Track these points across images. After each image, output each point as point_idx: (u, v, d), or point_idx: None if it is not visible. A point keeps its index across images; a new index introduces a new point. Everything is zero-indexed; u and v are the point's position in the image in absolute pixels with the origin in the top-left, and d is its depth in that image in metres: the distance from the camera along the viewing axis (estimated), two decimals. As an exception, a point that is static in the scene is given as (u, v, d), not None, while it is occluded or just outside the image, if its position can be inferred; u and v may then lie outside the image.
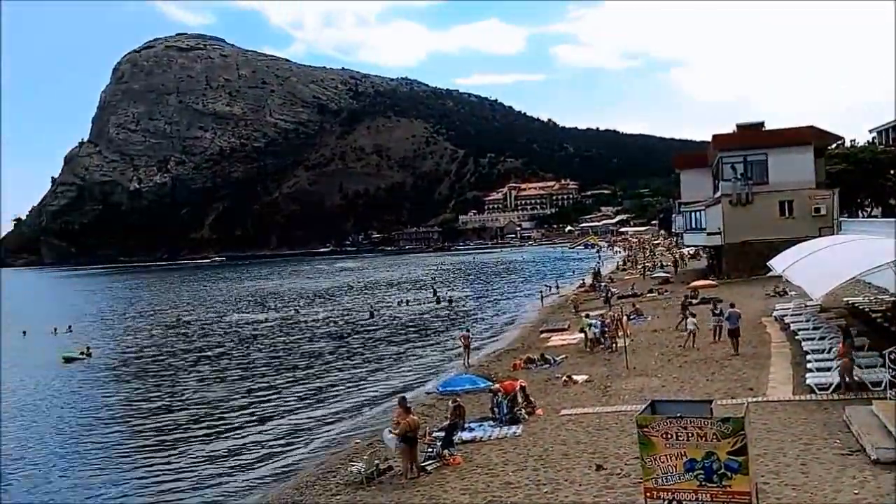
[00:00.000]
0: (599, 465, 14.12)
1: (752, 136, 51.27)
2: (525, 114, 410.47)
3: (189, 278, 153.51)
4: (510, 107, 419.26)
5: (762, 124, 54.75)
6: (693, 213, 55.59)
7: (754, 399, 17.48)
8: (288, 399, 29.02)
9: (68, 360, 42.75)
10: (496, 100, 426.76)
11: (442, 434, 17.38)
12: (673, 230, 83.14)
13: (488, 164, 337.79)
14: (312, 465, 19.41)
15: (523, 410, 19.53)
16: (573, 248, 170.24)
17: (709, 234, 51.45)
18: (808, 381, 18.16)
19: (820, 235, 36.93)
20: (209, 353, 43.49)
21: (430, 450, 16.74)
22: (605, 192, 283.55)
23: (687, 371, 22.64)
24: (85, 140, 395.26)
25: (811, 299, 25.05)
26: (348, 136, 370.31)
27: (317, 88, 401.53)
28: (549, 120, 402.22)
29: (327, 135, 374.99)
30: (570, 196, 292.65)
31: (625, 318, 30.50)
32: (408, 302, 66.09)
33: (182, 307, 79.87)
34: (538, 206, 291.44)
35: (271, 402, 28.57)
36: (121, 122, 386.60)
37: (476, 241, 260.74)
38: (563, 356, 28.95)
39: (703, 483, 9.65)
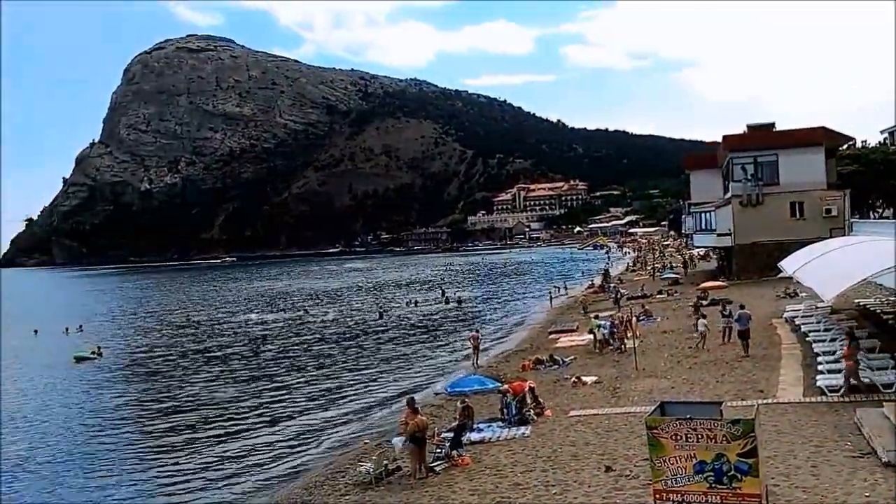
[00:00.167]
0: (608, 466, 14.09)
1: (762, 137, 51.02)
2: (534, 114, 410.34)
3: (199, 278, 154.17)
4: (519, 107, 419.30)
5: (773, 125, 54.47)
6: (703, 214, 55.36)
7: (764, 401, 17.39)
8: (297, 400, 29.10)
9: (79, 359, 43.05)
10: (505, 100, 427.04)
11: (451, 435, 17.39)
12: (683, 231, 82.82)
13: (497, 165, 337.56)
14: (321, 466, 19.45)
15: (532, 411, 19.50)
16: (582, 248, 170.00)
17: (719, 235, 51.23)
18: (818, 383, 18.06)
19: (831, 237, 36.74)
20: (219, 354, 43.67)
21: (438, 450, 16.76)
22: (615, 192, 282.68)
23: (697, 372, 22.56)
24: (96, 141, 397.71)
25: (822, 301, 24.92)
26: (357, 136, 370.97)
27: (326, 89, 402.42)
28: (559, 120, 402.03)
29: (337, 135, 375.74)
30: (580, 197, 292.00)
31: (634, 319, 30.40)
32: (416, 302, 66.13)
33: (192, 307, 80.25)
34: (547, 207, 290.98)
35: (281, 403, 28.65)
36: (132, 122, 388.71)
37: (485, 242, 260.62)
38: (572, 357, 28.91)
39: (713, 485, 9.63)
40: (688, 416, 9.93)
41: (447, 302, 64.76)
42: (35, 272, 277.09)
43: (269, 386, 32.45)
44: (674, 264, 74.37)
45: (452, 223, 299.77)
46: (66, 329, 58.93)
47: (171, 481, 19.70)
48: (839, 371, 18.16)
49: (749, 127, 54.64)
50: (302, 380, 33.33)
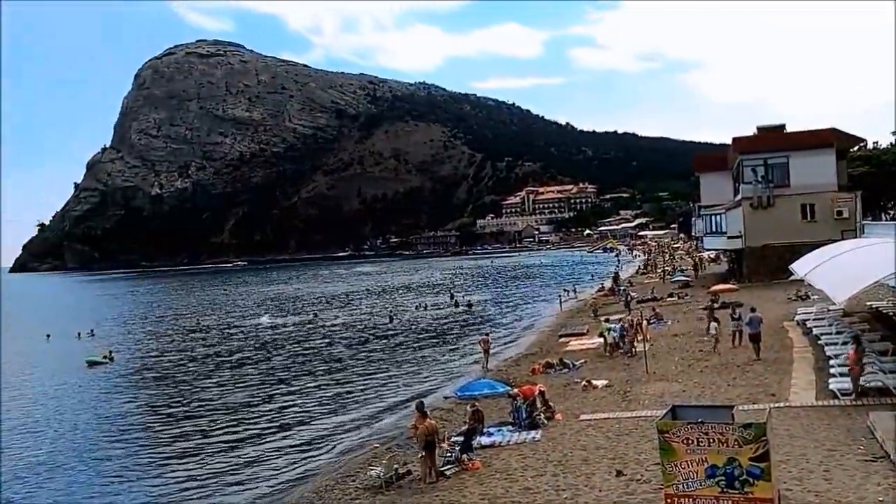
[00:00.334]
0: (619, 470, 14.05)
1: (772, 139, 50.80)
2: (543, 117, 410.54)
3: (210, 283, 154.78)
4: (528, 110, 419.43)
5: (783, 127, 54.24)
6: (713, 217, 55.16)
7: (776, 405, 17.31)
8: (308, 404, 29.13)
9: (91, 364, 43.31)
10: (514, 103, 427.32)
11: (461, 439, 17.38)
12: (693, 234, 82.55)
13: (506, 168, 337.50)
14: (332, 470, 19.46)
15: (542, 415, 19.47)
16: (592, 251, 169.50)
17: (729, 237, 51.03)
18: (830, 387, 17.96)
19: (842, 239, 36.47)
20: (230, 358, 43.78)
21: (448, 454, 16.75)
22: (624, 195, 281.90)
23: (708, 376, 22.46)
24: (107, 146, 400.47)
25: (834, 303, 24.76)
26: (366, 140, 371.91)
27: (335, 94, 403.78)
28: (567, 123, 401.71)
29: (346, 140, 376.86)
30: (589, 199, 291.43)
31: (644, 322, 30.32)
32: (426, 306, 66.14)
33: (203, 311, 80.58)
34: (556, 210, 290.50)
35: (291, 408, 28.68)
36: (142, 128, 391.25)
37: (494, 245, 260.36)
38: (583, 361, 28.84)
39: (725, 489, 9.60)
40: (699, 420, 9.90)
41: (457, 305, 64.76)
42: (47, 277, 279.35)
43: (280, 390, 32.51)
44: (684, 267, 74.10)
45: (461, 226, 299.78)
46: (79, 334, 59.31)
47: (183, 486, 19.74)
48: (870, 373, 18.02)
49: (759, 129, 54.42)
50: (312, 384, 33.37)
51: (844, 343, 21.91)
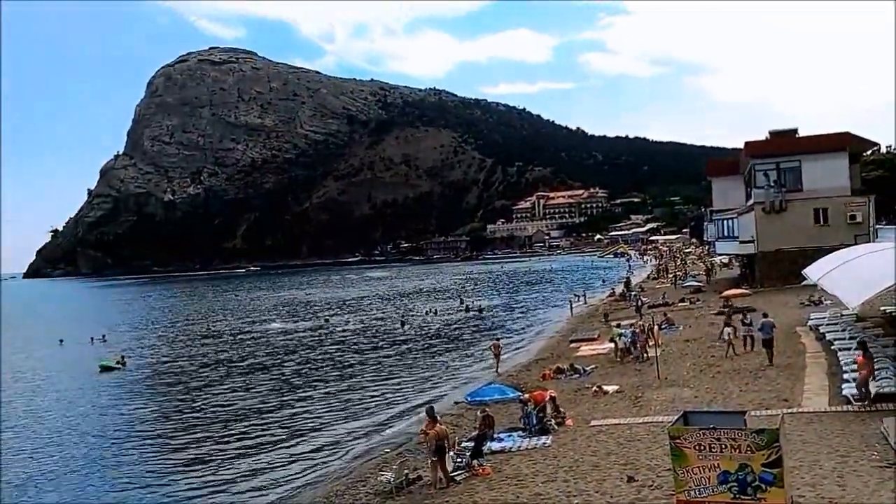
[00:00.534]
0: (631, 476, 13.98)
1: (785, 143, 50.57)
2: (553, 122, 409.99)
3: (222, 288, 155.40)
4: (538, 115, 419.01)
5: (795, 131, 53.98)
6: (725, 221, 54.89)
7: (789, 410, 17.18)
8: (319, 409, 29.17)
9: (104, 369, 43.57)
10: (524, 108, 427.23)
11: (471, 444, 17.37)
12: (704, 238, 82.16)
13: (516, 173, 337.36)
14: (342, 475, 19.47)
15: (553, 421, 19.42)
16: (603, 256, 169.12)
17: (741, 242, 50.75)
18: (844, 392, 17.82)
19: (856, 243, 36.21)
20: (241, 364, 43.92)
21: (459, 460, 16.73)
22: (635, 200, 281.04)
23: (720, 381, 22.34)
24: (120, 153, 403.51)
25: (847, 308, 24.57)
26: (377, 146, 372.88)
27: (346, 100, 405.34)
28: (578, 128, 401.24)
29: (356, 145, 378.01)
30: (600, 204, 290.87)
31: (656, 327, 30.21)
32: (436, 311, 66.18)
33: (214, 317, 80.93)
34: (567, 215, 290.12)
35: (303, 413, 28.71)
36: (155, 134, 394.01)
37: (504, 251, 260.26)
38: (593, 366, 28.77)
39: (737, 495, 9.55)
40: (711, 426, 9.86)
41: (467, 311, 64.77)
42: (60, 282, 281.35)
43: (291, 396, 32.57)
44: (696, 272, 73.78)
45: (472, 232, 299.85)
46: (92, 339, 59.70)
47: (194, 493, 19.78)
48: (871, 379, 17.89)
49: (771, 133, 54.21)
50: (323, 390, 33.42)
51: (869, 347, 21.74)
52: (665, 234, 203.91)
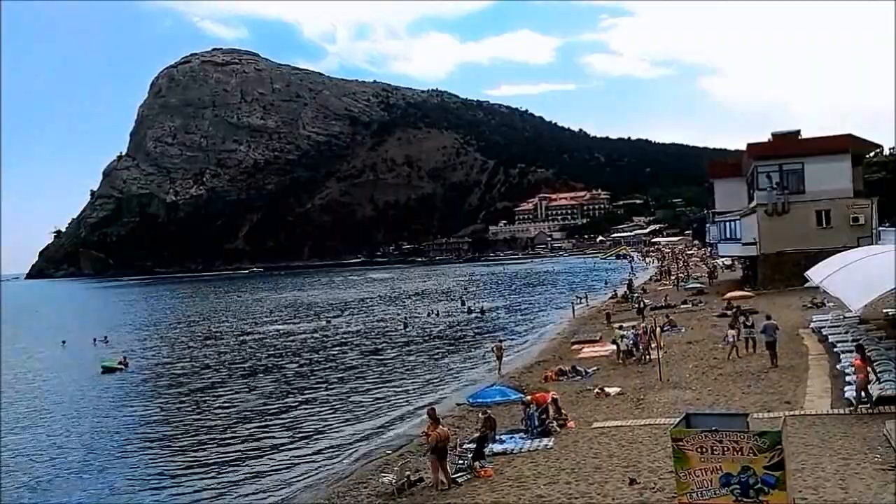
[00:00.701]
0: (633, 479, 13.97)
1: (787, 145, 50.59)
2: (555, 123, 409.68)
3: (224, 289, 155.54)
4: (540, 117, 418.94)
5: (798, 133, 53.98)
6: (728, 223, 54.86)
7: (791, 412, 17.17)
8: (321, 411, 29.17)
9: (106, 370, 43.60)
10: (526, 110, 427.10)
11: (473, 446, 17.35)
12: (707, 240, 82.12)
13: (518, 175, 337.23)
14: (344, 477, 19.46)
15: (555, 423, 19.40)
16: (605, 258, 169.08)
17: (744, 244, 50.73)
18: (846, 395, 17.80)
19: (858, 245, 36.22)
20: (243, 365, 43.94)
21: (460, 461, 16.72)
22: (637, 201, 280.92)
23: (722, 383, 22.33)
24: (123, 154, 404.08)
25: (849, 311, 24.56)
26: (379, 147, 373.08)
27: (349, 101, 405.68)
28: (580, 129, 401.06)
29: (359, 146, 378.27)
30: (602, 206, 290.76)
31: (658, 329, 30.18)
32: (437, 313, 66.19)
33: (216, 318, 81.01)
34: (569, 217, 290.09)
35: (305, 415, 28.70)
36: (158, 135, 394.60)
37: (506, 252, 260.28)
38: (595, 368, 28.75)
39: (739, 498, 9.53)
40: (713, 428, 9.85)
41: (469, 312, 64.79)
42: (62, 283, 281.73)
43: (293, 398, 32.55)
44: (698, 274, 73.72)
45: (474, 233, 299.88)
46: (95, 340, 59.75)
47: (196, 496, 19.75)
48: (874, 382, 17.86)
49: (774, 135, 54.19)
50: (325, 391, 33.43)
51: (866, 350, 21.71)
52: (667, 235, 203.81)
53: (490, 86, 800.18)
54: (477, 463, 16.50)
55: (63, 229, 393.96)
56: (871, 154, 53.25)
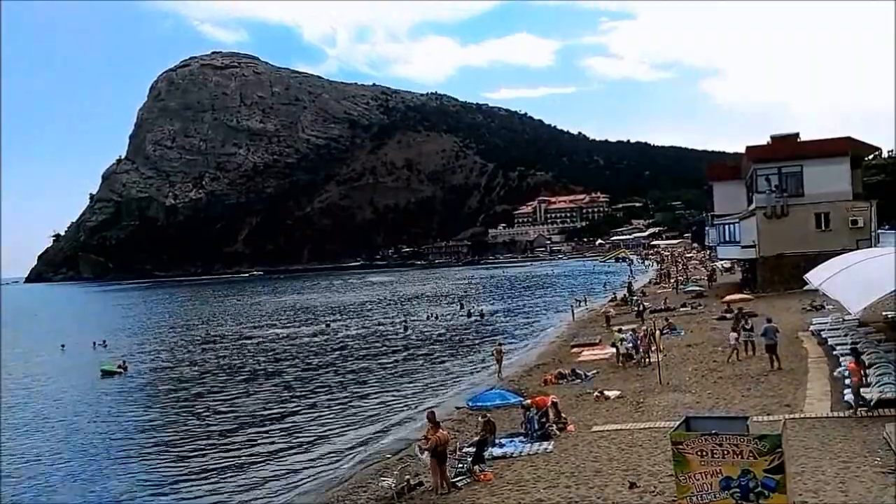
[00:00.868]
0: (633, 482, 13.95)
1: (786, 148, 50.60)
2: (555, 126, 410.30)
3: (223, 293, 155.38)
4: (540, 120, 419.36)
5: (797, 135, 54.02)
6: (727, 226, 54.91)
7: (791, 416, 17.16)
8: (320, 415, 29.10)
9: (105, 373, 43.56)
10: (525, 113, 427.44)
11: (472, 449, 17.33)
12: (706, 243, 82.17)
13: (518, 178, 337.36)
14: (343, 481, 19.42)
15: (555, 426, 19.38)
16: (604, 261, 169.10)
17: (743, 247, 50.76)
18: (846, 398, 17.77)
19: (857, 248, 36.26)
20: (242, 370, 43.83)
21: (460, 465, 16.70)
22: (637, 204, 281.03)
23: (722, 387, 22.32)
24: (122, 157, 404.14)
25: (849, 314, 24.54)
26: (379, 150, 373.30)
27: (348, 104, 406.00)
28: (579, 132, 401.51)
29: (358, 150, 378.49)
30: (601, 209, 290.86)
31: (658, 332, 30.17)
32: (437, 316, 66.16)
33: (215, 322, 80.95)
34: (568, 220, 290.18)
35: (304, 419, 28.63)
36: (157, 139, 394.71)
37: (506, 255, 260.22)
38: (595, 371, 28.73)
39: (740, 501, 9.54)
40: (713, 432, 9.85)
41: (469, 315, 64.77)
42: (61, 287, 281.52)
43: (293, 402, 32.47)
44: (697, 277, 73.73)
45: (473, 236, 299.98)
46: (94, 344, 59.67)
47: (195, 500, 19.74)
48: (867, 385, 17.87)
49: (773, 137, 54.19)
50: (325, 395, 33.36)
51: (860, 353, 21.71)
52: (666, 238, 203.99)
53: (490, 89, 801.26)
54: (477, 467, 16.48)
55: (62, 233, 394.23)
56: (870, 157, 53.36)
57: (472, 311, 67.48)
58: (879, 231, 44.17)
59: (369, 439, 24.27)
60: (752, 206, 49.29)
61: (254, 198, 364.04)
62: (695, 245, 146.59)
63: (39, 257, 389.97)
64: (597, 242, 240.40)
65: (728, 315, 36.83)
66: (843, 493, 11.95)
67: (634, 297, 57.62)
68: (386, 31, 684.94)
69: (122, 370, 44.38)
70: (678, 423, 11.05)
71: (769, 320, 25.28)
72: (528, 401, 21.30)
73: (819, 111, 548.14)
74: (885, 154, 60.69)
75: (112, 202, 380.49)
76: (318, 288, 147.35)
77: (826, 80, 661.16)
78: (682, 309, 46.90)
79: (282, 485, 20.13)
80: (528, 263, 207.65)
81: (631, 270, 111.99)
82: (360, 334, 57.65)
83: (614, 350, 30.66)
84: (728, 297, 42.55)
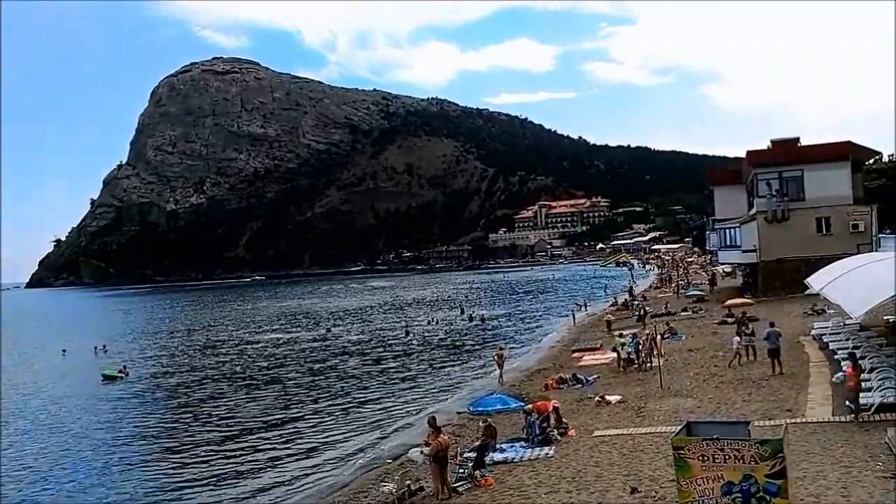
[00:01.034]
0: (634, 487, 13.93)
1: (787, 152, 50.61)
2: (555, 131, 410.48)
3: (224, 298, 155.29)
4: (540, 125, 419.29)
5: (797, 140, 54.03)
6: (728, 231, 54.91)
7: (793, 420, 17.13)
8: (321, 420, 29.08)
9: (106, 378, 43.54)
10: (526, 118, 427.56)
11: (473, 454, 17.31)
12: (707, 247, 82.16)
13: (518, 182, 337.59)
14: (344, 487, 19.39)
15: (556, 431, 19.35)
16: (605, 265, 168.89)
17: (744, 251, 50.75)
18: (847, 402, 17.74)
19: (858, 252, 36.19)
20: (242, 375, 43.79)
21: (461, 470, 16.68)
22: (637, 209, 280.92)
23: (723, 391, 22.29)
24: (123, 162, 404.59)
25: (850, 318, 24.53)
26: (380, 155, 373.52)
27: (349, 109, 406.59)
28: (580, 137, 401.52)
29: (359, 155, 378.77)
30: (602, 213, 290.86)
31: (659, 336, 30.14)
32: (438, 321, 66.13)
33: (216, 327, 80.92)
34: (569, 224, 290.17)
35: (305, 425, 28.58)
36: (158, 144, 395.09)
37: (506, 260, 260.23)
38: (596, 376, 28.70)
39: (741, 507, 9.50)
40: (715, 436, 9.83)
41: (470, 320, 64.75)
42: (62, 292, 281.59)
43: (294, 408, 32.43)
44: (698, 281, 73.69)
45: (474, 241, 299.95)
46: (95, 349, 59.66)
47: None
48: (869, 389, 17.85)
49: (773, 142, 54.22)
50: (326, 401, 33.31)
51: (862, 358, 21.69)
52: (667, 242, 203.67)
53: (490, 94, 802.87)
54: (477, 472, 16.46)
55: (63, 238, 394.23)
56: (871, 161, 53.38)
57: (472, 315, 67.45)
58: (880, 235, 44.16)
59: (370, 444, 24.23)
60: (753, 211, 49.30)
61: (255, 203, 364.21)
62: (696, 249, 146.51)
63: (40, 262, 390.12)
64: (598, 247, 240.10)
65: (729, 319, 36.82)
66: (844, 497, 11.93)
67: (635, 302, 57.58)
68: (386, 36, 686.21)
69: (123, 375, 44.36)
70: (679, 427, 11.03)
71: (772, 324, 25.25)
72: (530, 406, 21.28)
73: (819, 115, 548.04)
74: (885, 158, 60.70)
75: (113, 207, 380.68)
76: (319, 293, 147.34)
77: (826, 84, 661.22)
78: (683, 313, 46.87)
79: (283, 491, 20.09)
80: (529, 268, 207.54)
81: (632, 275, 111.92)
82: (361, 339, 57.62)
83: (615, 355, 30.64)
84: (729, 302, 42.53)
